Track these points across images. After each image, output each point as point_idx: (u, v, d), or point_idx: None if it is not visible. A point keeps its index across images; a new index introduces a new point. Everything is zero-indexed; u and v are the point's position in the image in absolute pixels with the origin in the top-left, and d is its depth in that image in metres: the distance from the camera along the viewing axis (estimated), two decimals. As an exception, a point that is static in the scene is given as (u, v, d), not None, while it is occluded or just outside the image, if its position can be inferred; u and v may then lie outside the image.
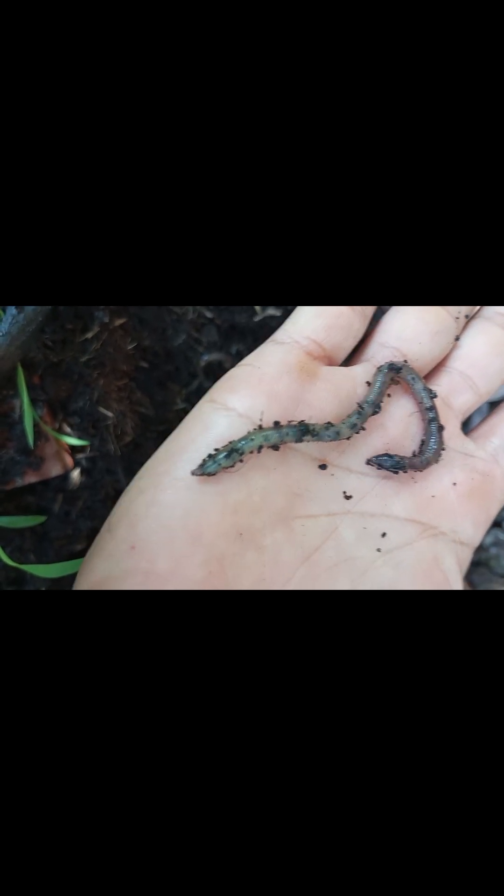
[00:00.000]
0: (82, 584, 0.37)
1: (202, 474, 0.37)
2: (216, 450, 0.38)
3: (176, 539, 0.36)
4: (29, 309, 0.48)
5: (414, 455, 0.43)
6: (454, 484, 0.44)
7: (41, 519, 0.53)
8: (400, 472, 0.42)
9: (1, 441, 0.51)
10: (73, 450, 0.54)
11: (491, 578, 0.77)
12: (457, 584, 0.44)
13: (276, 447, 0.39)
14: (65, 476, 0.54)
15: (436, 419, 0.44)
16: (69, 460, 0.54)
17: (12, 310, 0.47)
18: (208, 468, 0.37)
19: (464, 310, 0.47)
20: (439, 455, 0.43)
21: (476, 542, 0.45)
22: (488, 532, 0.78)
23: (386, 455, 0.42)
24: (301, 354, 0.41)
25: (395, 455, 0.42)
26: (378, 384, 0.42)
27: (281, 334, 0.42)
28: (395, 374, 0.43)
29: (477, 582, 0.77)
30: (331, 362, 0.43)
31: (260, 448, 0.38)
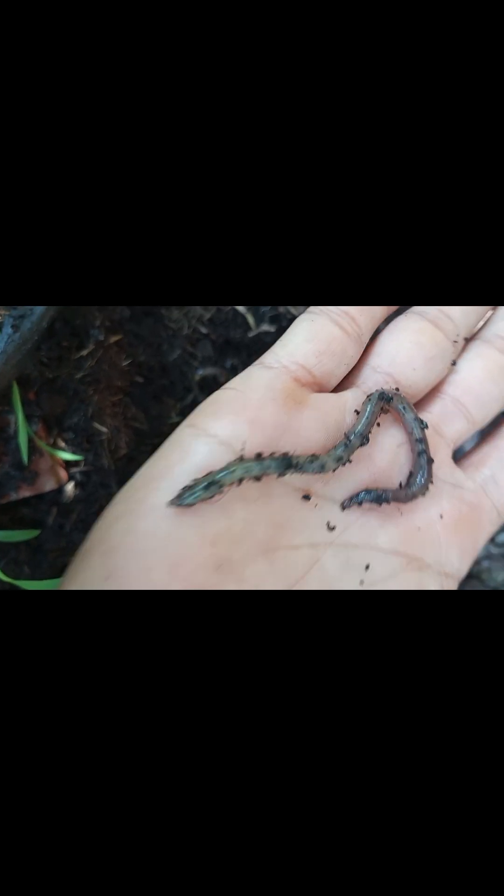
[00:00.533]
0: None
1: (179, 505, 0.36)
2: (195, 480, 0.36)
3: (153, 571, 0.35)
4: (25, 328, 0.48)
5: (400, 487, 0.42)
6: (441, 516, 0.43)
7: (35, 532, 0.54)
8: (384, 504, 0.41)
9: (-4, 456, 0.52)
10: (68, 464, 0.55)
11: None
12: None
13: (257, 479, 0.38)
14: (59, 490, 0.55)
15: (425, 452, 0.42)
16: (63, 475, 0.55)
17: (8, 329, 0.48)
18: (186, 500, 0.36)
19: (462, 332, 0.45)
20: (426, 489, 0.42)
21: (462, 573, 0.44)
22: (480, 545, 0.79)
23: (364, 491, 0.41)
24: (289, 381, 0.40)
25: (376, 489, 0.41)
26: (367, 414, 0.41)
27: (269, 358, 0.41)
28: (385, 403, 0.41)
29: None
30: (320, 389, 0.42)
31: (241, 480, 0.37)
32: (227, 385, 0.40)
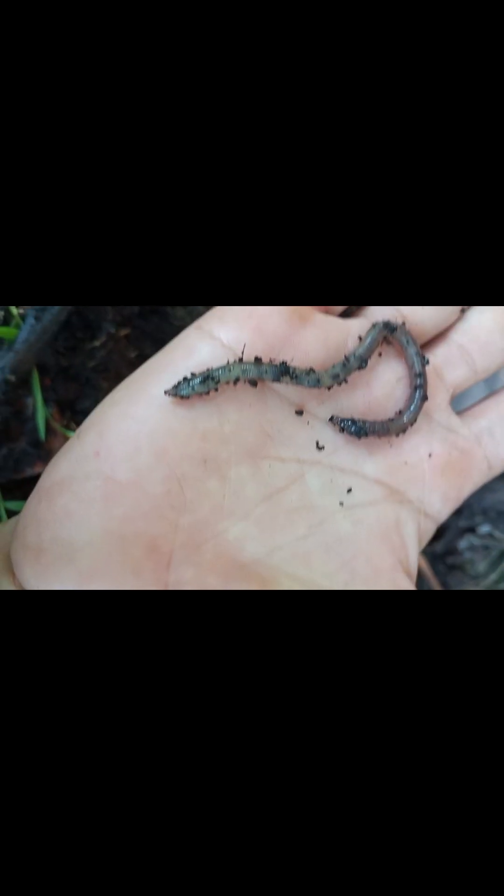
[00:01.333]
0: (44, 482, 0.38)
1: (175, 395, 0.37)
2: (192, 374, 0.37)
3: (140, 452, 0.37)
4: (45, 319, 0.54)
5: (388, 420, 0.42)
6: (430, 455, 0.44)
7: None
8: (362, 437, 0.41)
9: (15, 435, 0.57)
10: (79, 445, 0.60)
11: (465, 581, 0.81)
12: (413, 551, 0.44)
13: (253, 383, 0.38)
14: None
15: (422, 387, 0.42)
16: (75, 455, 0.59)
17: (31, 320, 0.54)
18: (182, 390, 0.37)
19: None
20: (408, 425, 0.42)
21: (442, 517, 0.45)
22: (463, 537, 0.83)
23: (350, 419, 0.41)
24: None
25: (360, 420, 0.41)
26: (369, 340, 0.41)
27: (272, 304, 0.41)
28: (388, 333, 0.42)
29: (452, 585, 0.81)
30: (327, 310, 0.42)
31: (237, 380, 0.38)
32: None
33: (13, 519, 0.42)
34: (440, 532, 0.80)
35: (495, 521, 0.83)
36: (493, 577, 0.79)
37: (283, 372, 0.39)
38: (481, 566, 0.80)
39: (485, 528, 0.82)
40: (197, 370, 0.38)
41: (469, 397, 0.50)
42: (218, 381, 0.37)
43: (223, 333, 0.39)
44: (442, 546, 0.81)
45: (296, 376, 0.39)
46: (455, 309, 0.45)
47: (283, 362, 0.39)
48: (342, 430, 0.41)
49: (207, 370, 0.38)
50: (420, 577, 0.78)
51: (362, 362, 0.41)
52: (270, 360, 0.39)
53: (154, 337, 0.62)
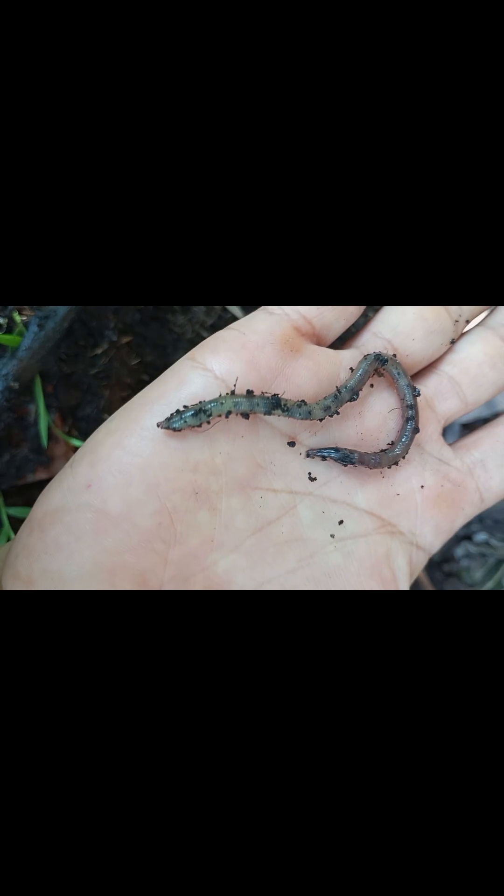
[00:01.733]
0: (37, 511, 0.38)
1: (167, 428, 0.37)
2: (185, 406, 0.38)
3: (131, 485, 0.37)
4: (48, 327, 0.55)
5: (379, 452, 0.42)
6: (422, 487, 0.44)
7: (48, 512, 0.59)
8: (349, 465, 0.41)
9: (17, 441, 0.58)
10: (80, 452, 0.60)
11: (461, 589, 0.82)
12: (404, 584, 0.43)
13: (245, 416, 0.39)
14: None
15: (414, 419, 0.42)
16: (76, 461, 0.60)
17: (34, 327, 0.54)
18: (174, 423, 0.37)
19: (465, 313, 0.45)
20: (399, 458, 0.42)
21: (434, 549, 0.45)
22: (459, 545, 0.83)
23: (334, 448, 0.41)
24: (289, 328, 0.40)
25: (345, 448, 0.41)
26: (360, 372, 0.41)
27: (273, 305, 0.42)
28: (379, 365, 0.42)
29: (448, 592, 0.82)
30: (319, 341, 0.43)
31: (228, 413, 0.38)
32: (231, 326, 0.41)
33: (5, 545, 0.43)
34: (437, 539, 0.80)
35: (492, 530, 0.83)
36: (489, 584, 0.79)
37: (275, 405, 0.39)
38: (478, 574, 0.81)
39: (481, 537, 0.82)
40: (189, 402, 0.38)
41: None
42: (210, 415, 0.38)
43: (216, 365, 0.39)
44: (439, 554, 0.82)
45: (287, 409, 0.39)
46: (445, 341, 0.45)
47: (274, 395, 0.39)
48: (324, 458, 0.42)
49: (200, 403, 0.38)
50: (417, 583, 0.78)
51: (354, 394, 0.41)
52: (262, 393, 0.39)
53: (154, 344, 0.63)
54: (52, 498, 0.38)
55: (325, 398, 0.41)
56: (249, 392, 0.39)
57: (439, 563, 0.80)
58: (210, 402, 0.38)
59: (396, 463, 0.43)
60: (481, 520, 0.81)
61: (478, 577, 0.80)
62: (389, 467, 0.43)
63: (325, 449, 0.41)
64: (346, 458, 0.41)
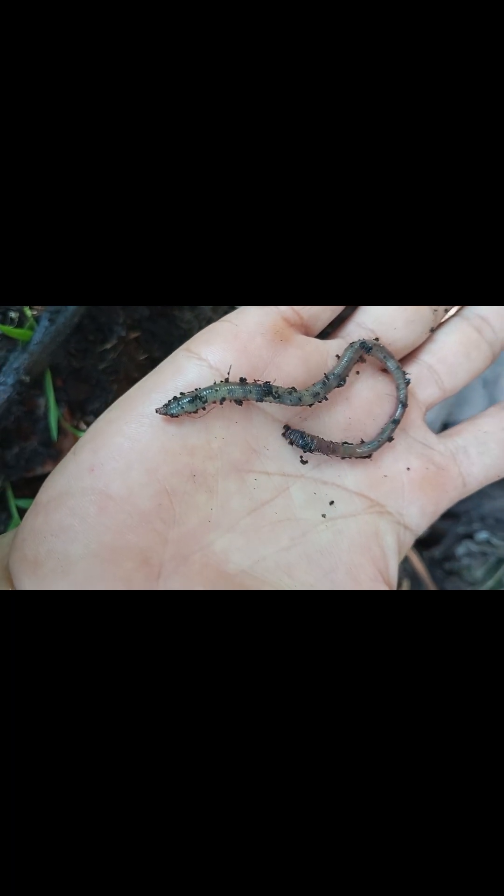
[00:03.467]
0: (42, 496, 0.40)
1: (165, 414, 0.39)
2: (182, 393, 0.40)
3: (132, 469, 0.39)
4: (59, 322, 0.56)
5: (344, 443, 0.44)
6: (408, 469, 0.46)
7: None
8: (307, 451, 0.43)
9: (27, 434, 0.59)
10: (88, 445, 0.62)
11: (462, 587, 0.82)
12: (393, 561, 0.45)
13: (239, 402, 0.41)
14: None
15: (404, 402, 0.45)
16: (84, 454, 0.61)
17: (45, 322, 0.56)
18: (171, 409, 0.39)
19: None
20: (360, 453, 0.45)
21: (420, 530, 0.47)
22: (461, 543, 0.84)
23: (300, 432, 0.43)
24: (278, 319, 0.43)
25: (308, 434, 0.43)
26: (346, 359, 0.44)
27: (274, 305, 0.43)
28: (364, 351, 0.45)
29: (449, 589, 0.82)
30: (307, 332, 0.45)
31: (223, 400, 0.40)
32: (224, 318, 0.44)
33: (11, 532, 0.45)
34: (438, 537, 0.81)
35: (493, 528, 0.84)
36: (490, 583, 0.80)
37: (267, 392, 0.41)
38: (479, 572, 0.81)
39: (482, 535, 0.83)
40: (185, 390, 0.40)
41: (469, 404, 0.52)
42: (206, 401, 0.40)
43: (210, 355, 0.41)
44: (440, 552, 0.82)
45: (278, 395, 0.41)
46: (425, 329, 0.47)
47: (266, 383, 0.41)
48: (290, 442, 0.43)
49: (195, 390, 0.40)
50: (418, 581, 0.79)
51: (341, 380, 0.44)
52: (255, 381, 0.41)
53: (162, 339, 0.64)
54: (57, 483, 0.40)
55: (313, 385, 0.43)
56: (242, 380, 0.41)
57: (440, 560, 0.81)
58: (205, 389, 0.40)
59: (363, 456, 0.45)
60: (483, 518, 0.82)
61: (479, 576, 0.80)
62: (343, 458, 0.45)
63: (294, 431, 0.43)
64: (306, 444, 0.43)
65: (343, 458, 0.45)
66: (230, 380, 0.41)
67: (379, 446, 0.45)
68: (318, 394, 0.43)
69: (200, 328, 0.65)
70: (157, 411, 0.39)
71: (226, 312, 0.66)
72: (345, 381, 0.44)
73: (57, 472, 0.41)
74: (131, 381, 0.64)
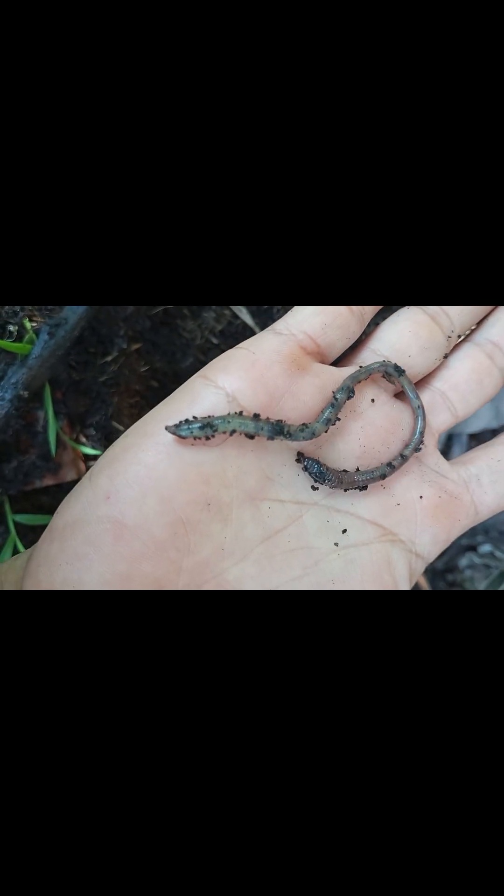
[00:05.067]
0: (57, 522, 0.40)
1: (175, 433, 0.39)
2: (194, 417, 0.40)
3: (148, 497, 0.38)
4: (59, 335, 0.55)
5: (346, 471, 0.44)
6: (420, 497, 0.46)
7: (54, 518, 0.59)
8: (321, 482, 0.43)
9: (25, 447, 0.58)
10: (87, 458, 0.61)
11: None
12: (404, 589, 0.45)
13: (250, 437, 0.41)
14: (78, 480, 0.60)
15: (422, 430, 0.45)
16: (83, 467, 0.60)
17: (45, 335, 0.54)
18: (181, 431, 0.39)
19: (457, 330, 0.48)
20: (381, 478, 0.44)
21: (431, 557, 0.47)
22: (464, 555, 0.84)
23: (316, 461, 0.43)
24: (295, 347, 0.43)
25: (325, 466, 0.43)
26: (365, 372, 0.44)
27: (280, 325, 0.44)
28: (395, 374, 0.45)
29: (452, 602, 0.82)
30: (323, 360, 0.45)
31: (233, 432, 0.40)
32: (241, 345, 0.44)
33: (23, 553, 0.44)
34: (442, 549, 0.80)
35: (496, 541, 0.83)
36: (492, 594, 0.79)
37: (278, 431, 0.41)
38: (481, 585, 0.81)
39: (486, 548, 0.83)
40: (200, 416, 0.40)
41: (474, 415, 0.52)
42: (216, 430, 0.40)
43: (227, 383, 0.41)
44: (443, 563, 0.82)
45: (290, 434, 0.41)
46: (439, 356, 0.48)
47: (278, 421, 0.41)
48: (305, 469, 0.43)
49: (208, 417, 0.40)
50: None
51: (350, 392, 0.43)
52: (268, 418, 0.41)
53: (164, 350, 0.63)
54: (72, 509, 0.40)
55: (322, 411, 0.43)
56: (256, 415, 0.41)
57: (443, 572, 0.81)
58: (218, 418, 0.40)
59: (365, 488, 0.45)
60: (486, 531, 0.81)
61: (482, 588, 0.80)
62: (346, 491, 0.45)
63: (310, 460, 0.43)
64: (320, 475, 0.43)
65: (345, 490, 0.44)
66: (245, 412, 0.41)
67: (379, 480, 0.45)
68: (330, 419, 0.43)
69: (203, 337, 0.64)
70: (166, 428, 0.39)
71: (229, 321, 0.65)
72: (353, 392, 0.44)
73: (72, 497, 0.41)
74: (132, 392, 0.63)
